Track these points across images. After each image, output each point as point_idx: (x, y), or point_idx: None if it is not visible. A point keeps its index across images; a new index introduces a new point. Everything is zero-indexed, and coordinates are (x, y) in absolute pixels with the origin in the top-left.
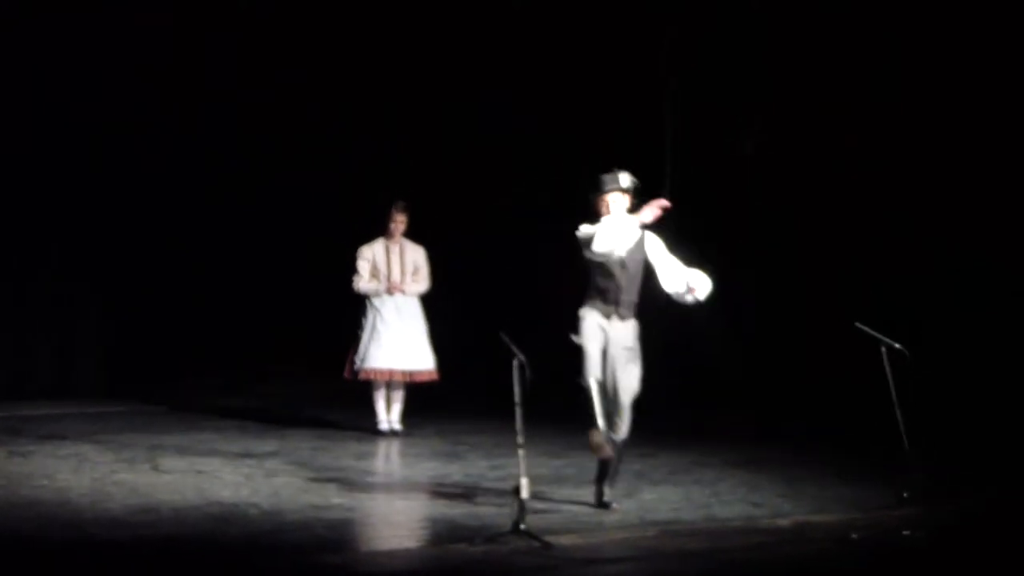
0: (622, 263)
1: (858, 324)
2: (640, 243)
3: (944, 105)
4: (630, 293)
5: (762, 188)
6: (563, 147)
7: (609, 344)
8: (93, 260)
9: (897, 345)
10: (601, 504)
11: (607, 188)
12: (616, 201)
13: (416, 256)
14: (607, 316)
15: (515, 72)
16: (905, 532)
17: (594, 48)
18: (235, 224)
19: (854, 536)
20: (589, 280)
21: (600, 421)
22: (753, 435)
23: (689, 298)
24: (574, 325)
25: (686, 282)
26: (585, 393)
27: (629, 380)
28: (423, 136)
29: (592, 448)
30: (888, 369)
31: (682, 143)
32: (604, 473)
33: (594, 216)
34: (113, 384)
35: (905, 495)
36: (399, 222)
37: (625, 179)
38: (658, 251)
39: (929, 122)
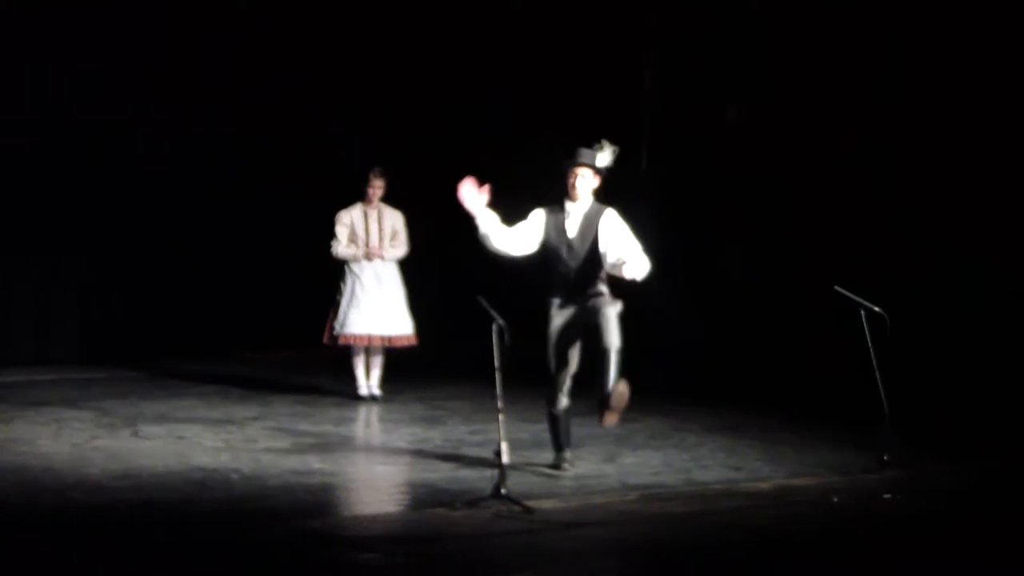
0: (569, 245)
1: (837, 287)
2: (593, 224)
3: (943, 90)
4: (585, 275)
5: (744, 158)
6: (543, 120)
7: (581, 318)
8: (85, 237)
9: (876, 308)
10: (558, 466)
11: (579, 161)
12: (584, 177)
13: (395, 221)
14: (572, 296)
15: (515, 72)
16: (886, 495)
17: (583, 34)
18: (233, 222)
19: (835, 499)
20: (545, 267)
21: (561, 398)
22: (733, 400)
23: (623, 272)
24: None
25: (620, 258)
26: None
27: (610, 334)
28: (423, 136)
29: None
30: (868, 333)
31: (665, 116)
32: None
33: (561, 188)
34: (91, 351)
35: (885, 458)
36: (376, 187)
37: (603, 158)
38: (611, 230)
39: (928, 117)
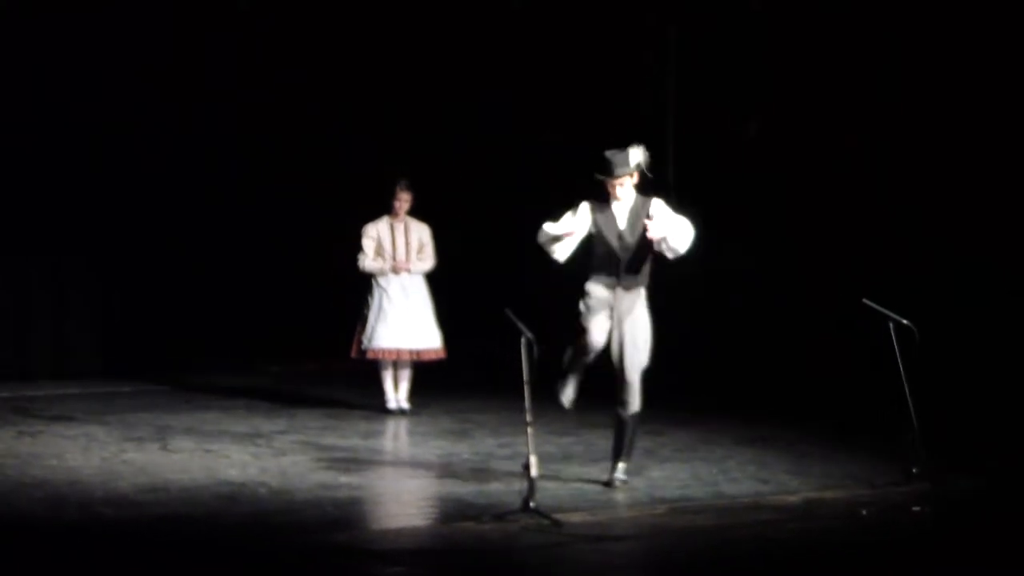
0: (620, 235)
1: (865, 300)
2: (642, 214)
3: (945, 92)
4: (631, 267)
5: (766, 170)
6: (562, 126)
7: (615, 316)
8: (93, 242)
9: (905, 321)
10: (608, 482)
11: (617, 173)
12: (623, 185)
13: (421, 233)
14: (611, 288)
15: (515, 72)
16: (914, 508)
17: (594, 38)
18: (235, 222)
19: (863, 512)
20: (591, 252)
21: (568, 390)
22: (761, 413)
23: (664, 247)
24: (577, 297)
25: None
26: (571, 355)
27: (637, 354)
28: (423, 136)
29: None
30: (896, 345)
31: (684, 128)
32: (619, 449)
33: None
34: (111, 364)
35: (914, 471)
36: (403, 200)
37: (635, 156)
38: (659, 214)
39: (928, 117)
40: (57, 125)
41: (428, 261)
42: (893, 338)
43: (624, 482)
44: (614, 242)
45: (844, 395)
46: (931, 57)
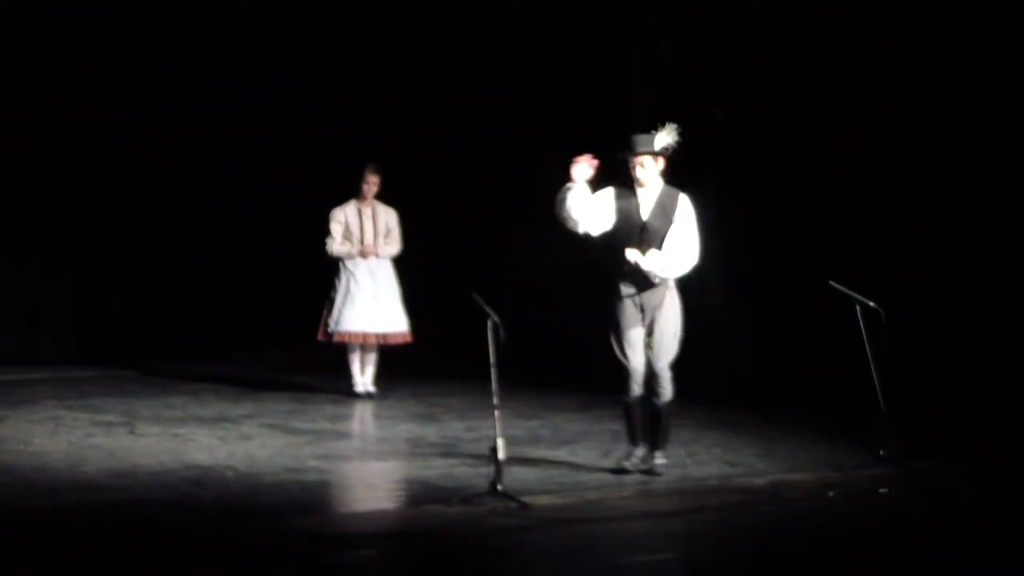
0: (644, 228)
1: (832, 282)
2: (669, 209)
3: (944, 92)
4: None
5: (744, 158)
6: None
7: (646, 311)
8: (72, 229)
9: (872, 303)
10: (648, 470)
11: (638, 150)
12: (645, 166)
13: (388, 218)
14: (637, 284)
15: (515, 72)
16: (881, 490)
17: (583, 34)
18: (233, 222)
19: (830, 495)
20: (613, 243)
21: (635, 386)
22: (728, 396)
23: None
24: (598, 293)
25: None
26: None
27: (669, 345)
28: (423, 136)
29: None
30: (863, 328)
31: (664, 116)
32: (642, 432)
33: (625, 177)
34: (84, 349)
35: (881, 453)
36: (371, 183)
37: (662, 139)
38: (682, 221)
39: (928, 117)
40: (57, 125)
41: (395, 245)
42: (860, 320)
43: (665, 467)
44: (637, 234)
45: (812, 379)
46: (931, 57)
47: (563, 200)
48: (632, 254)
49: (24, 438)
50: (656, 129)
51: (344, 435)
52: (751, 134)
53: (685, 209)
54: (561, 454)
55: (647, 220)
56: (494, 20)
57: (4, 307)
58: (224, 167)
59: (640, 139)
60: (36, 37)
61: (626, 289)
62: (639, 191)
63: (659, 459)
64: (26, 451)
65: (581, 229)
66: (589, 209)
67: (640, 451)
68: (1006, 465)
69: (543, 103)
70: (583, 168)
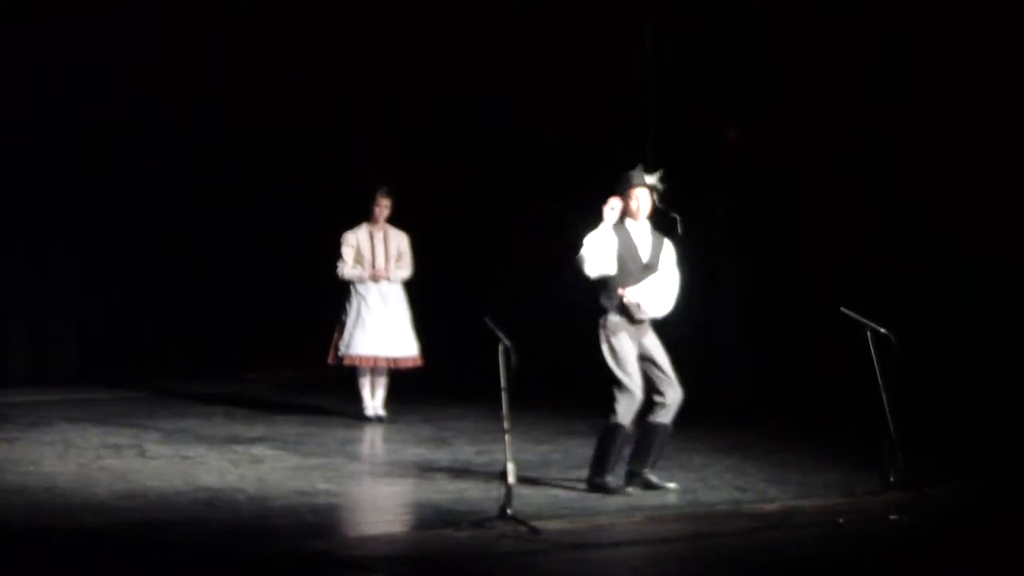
0: (646, 267)
1: (843, 309)
2: (659, 248)
3: (944, 97)
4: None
5: (747, 175)
6: (545, 132)
7: (636, 344)
8: (72, 233)
9: (882, 330)
10: (651, 486)
11: (635, 182)
12: (640, 199)
13: (400, 242)
14: (635, 322)
15: (515, 72)
16: (892, 517)
17: (584, 34)
18: (233, 222)
19: (840, 521)
20: (611, 284)
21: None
22: (739, 421)
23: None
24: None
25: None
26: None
27: (669, 363)
28: (423, 136)
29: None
30: (874, 354)
31: (666, 131)
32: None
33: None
34: (90, 369)
35: (892, 480)
36: (383, 207)
37: (650, 176)
38: (668, 263)
39: (928, 117)
40: (57, 125)
41: (406, 269)
42: (871, 347)
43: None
44: (639, 274)
45: (823, 404)
46: (931, 57)
47: (592, 254)
48: (633, 293)
49: (34, 459)
50: (645, 169)
51: (355, 458)
52: (751, 134)
53: (669, 249)
54: (572, 479)
55: (647, 261)
56: (494, 20)
57: (14, 328)
58: (224, 167)
59: (632, 174)
60: (36, 37)
61: (623, 323)
62: (631, 226)
63: (655, 477)
64: (36, 472)
65: (596, 274)
66: (606, 254)
67: (616, 474)
68: (1016, 487)
69: (543, 103)
70: (613, 212)
